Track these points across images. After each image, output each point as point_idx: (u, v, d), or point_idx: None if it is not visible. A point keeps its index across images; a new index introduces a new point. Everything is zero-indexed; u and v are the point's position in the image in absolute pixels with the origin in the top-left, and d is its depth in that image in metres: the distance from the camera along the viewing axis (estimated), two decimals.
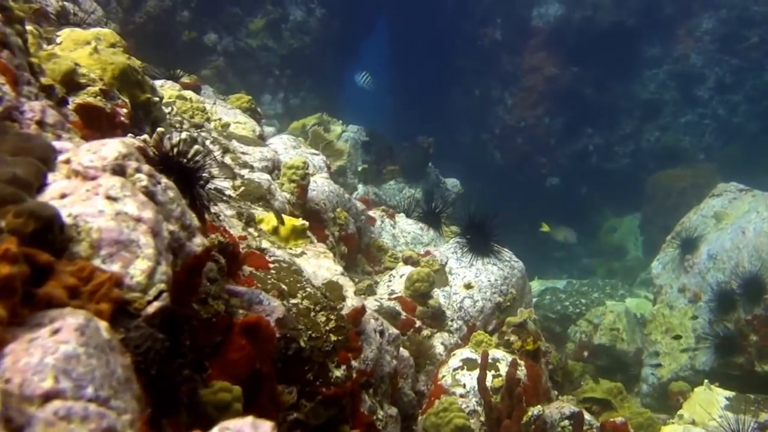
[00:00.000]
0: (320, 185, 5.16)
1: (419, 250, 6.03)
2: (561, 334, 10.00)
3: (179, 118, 4.66)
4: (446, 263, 5.73)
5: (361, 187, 9.25)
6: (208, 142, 4.50)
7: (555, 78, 16.97)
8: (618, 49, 16.19)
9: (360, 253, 5.72)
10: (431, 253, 5.76)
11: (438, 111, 19.79)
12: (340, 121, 9.91)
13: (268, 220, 3.95)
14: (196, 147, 4.16)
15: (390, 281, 5.50)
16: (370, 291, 5.38)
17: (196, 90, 6.07)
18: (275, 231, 3.96)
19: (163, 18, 12.05)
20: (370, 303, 5.27)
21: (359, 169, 9.60)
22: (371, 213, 6.10)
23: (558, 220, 16.97)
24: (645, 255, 16.00)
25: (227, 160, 4.50)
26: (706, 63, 16.70)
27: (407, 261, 5.65)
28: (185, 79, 5.91)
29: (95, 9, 5.69)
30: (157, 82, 5.25)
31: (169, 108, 4.76)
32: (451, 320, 5.30)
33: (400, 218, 6.34)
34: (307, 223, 4.05)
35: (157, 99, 4.04)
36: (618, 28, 16.19)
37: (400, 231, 6.13)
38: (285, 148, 5.33)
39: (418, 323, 5.12)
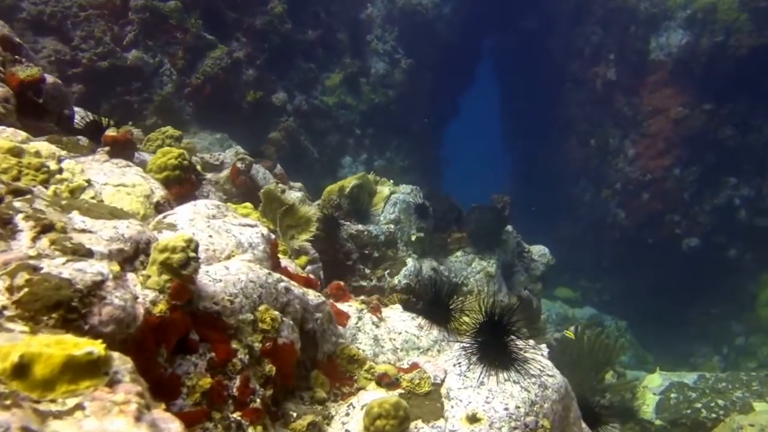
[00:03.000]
0: (233, 272, 3.45)
1: (409, 359, 4.10)
2: None
3: None
4: (443, 381, 3.77)
5: (410, 262, 7.38)
6: (19, 217, 2.97)
7: (684, 120, 14.21)
8: (764, 78, 13.20)
9: (317, 368, 3.90)
10: (419, 367, 3.83)
11: (552, 165, 17.61)
12: (391, 181, 8.22)
13: (6, 353, 2.31)
14: None
15: (348, 415, 3.63)
16: None
17: (128, 145, 4.65)
18: (20, 371, 2.29)
19: (223, 78, 11.05)
20: None
21: (412, 238, 7.79)
22: (344, 307, 4.28)
23: (699, 290, 14.20)
24: None
25: (42, 243, 2.94)
26: None
27: (381, 381, 3.77)
28: (110, 132, 4.53)
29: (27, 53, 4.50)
30: None
31: None
32: None
33: (392, 312, 4.45)
34: (96, 351, 2.34)
35: None
36: (762, 53, 13.21)
37: (387, 331, 4.24)
38: (191, 219, 3.69)
39: None
